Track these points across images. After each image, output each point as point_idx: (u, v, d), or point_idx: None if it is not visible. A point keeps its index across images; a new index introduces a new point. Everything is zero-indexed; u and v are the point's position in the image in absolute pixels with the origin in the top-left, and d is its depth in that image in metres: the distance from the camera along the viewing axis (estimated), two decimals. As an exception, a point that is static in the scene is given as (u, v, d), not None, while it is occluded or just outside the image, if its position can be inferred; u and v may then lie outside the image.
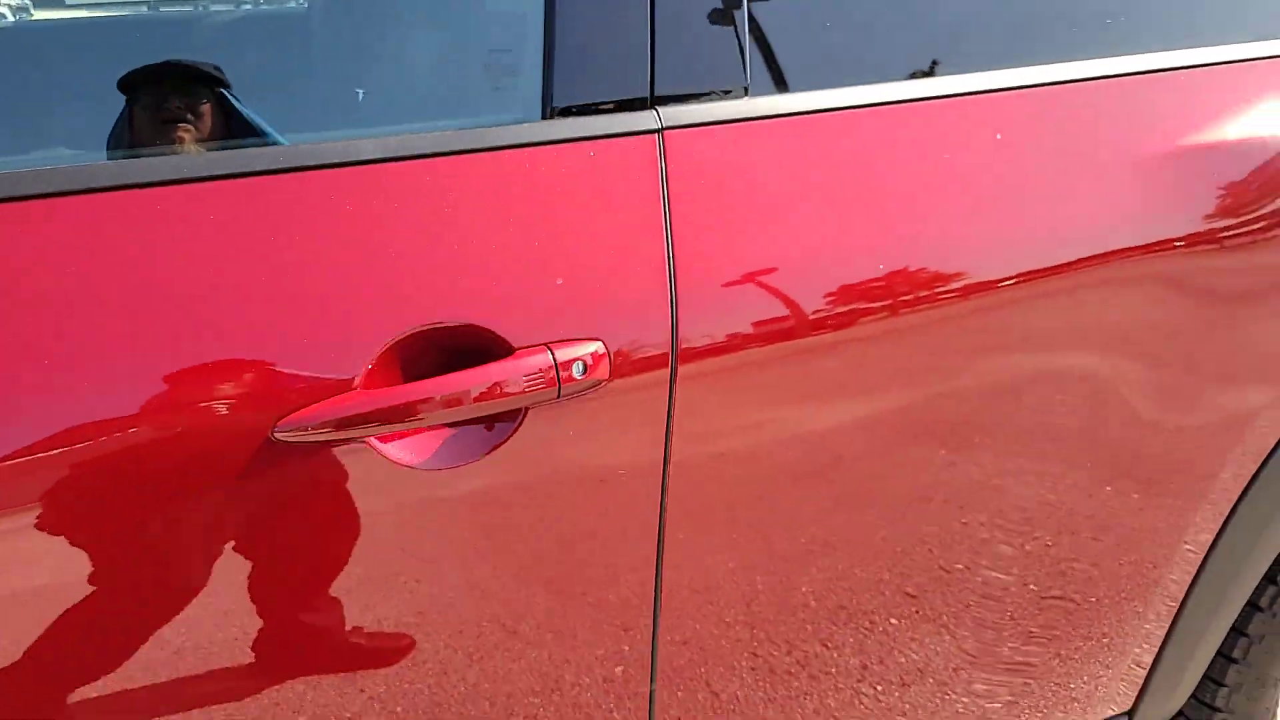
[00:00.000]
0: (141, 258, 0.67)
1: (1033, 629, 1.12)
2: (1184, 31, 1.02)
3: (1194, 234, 0.97)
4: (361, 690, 0.79)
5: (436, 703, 0.83)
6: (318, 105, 0.84)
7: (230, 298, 0.68)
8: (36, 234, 0.65)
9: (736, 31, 0.84)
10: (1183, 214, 0.98)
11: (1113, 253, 0.93)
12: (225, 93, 0.85)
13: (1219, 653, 1.29)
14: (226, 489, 0.69)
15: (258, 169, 0.70)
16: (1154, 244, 0.96)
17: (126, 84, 0.84)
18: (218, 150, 0.83)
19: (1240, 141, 1.02)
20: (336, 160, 0.73)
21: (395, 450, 0.73)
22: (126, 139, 0.86)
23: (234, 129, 0.85)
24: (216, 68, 0.87)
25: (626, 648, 0.88)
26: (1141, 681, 1.25)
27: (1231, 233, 0.99)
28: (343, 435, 0.70)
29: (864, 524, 0.94)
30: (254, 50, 1.04)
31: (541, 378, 0.74)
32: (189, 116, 0.84)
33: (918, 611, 1.02)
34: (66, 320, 0.65)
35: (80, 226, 0.66)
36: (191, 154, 0.79)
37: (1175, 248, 0.97)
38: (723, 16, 0.84)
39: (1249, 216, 1.00)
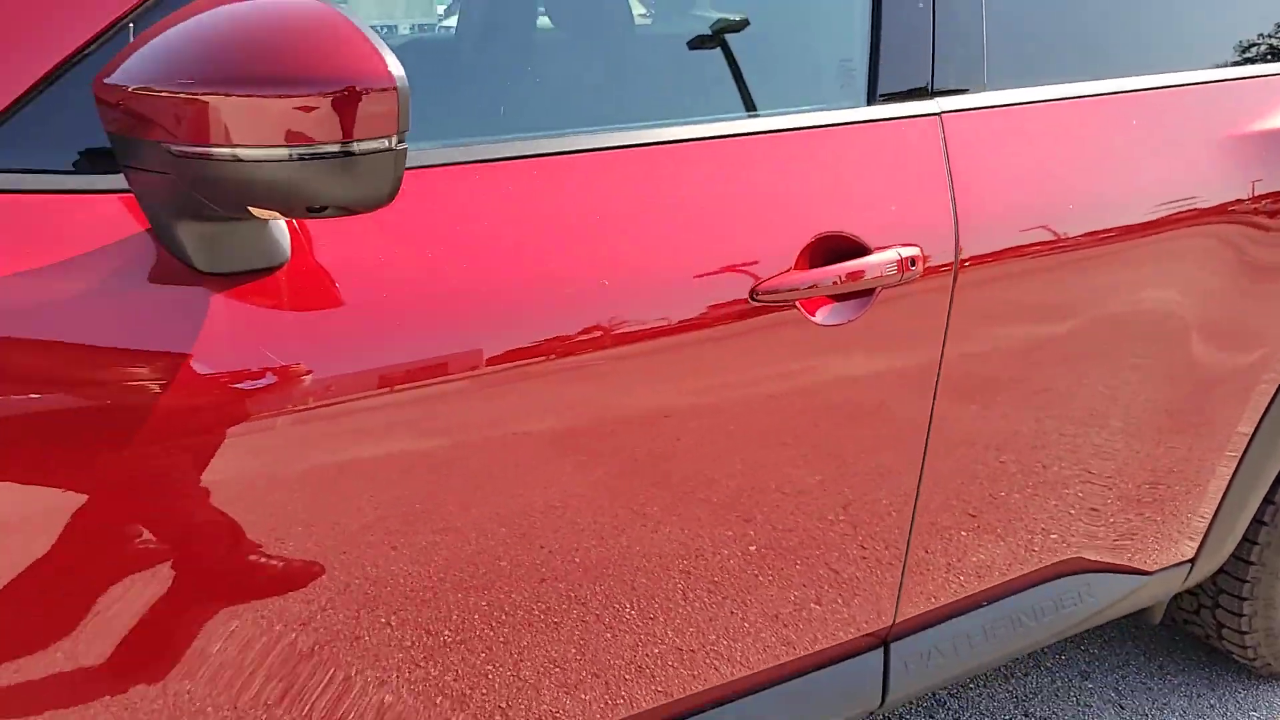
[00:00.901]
0: (674, 190, 1.05)
1: (1143, 494, 1.55)
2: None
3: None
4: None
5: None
6: (721, 94, 1.21)
7: (729, 219, 1.06)
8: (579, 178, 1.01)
9: (981, 47, 1.26)
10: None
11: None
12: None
13: (1254, 518, 1.74)
14: (727, 327, 1.06)
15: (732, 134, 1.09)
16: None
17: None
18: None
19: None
20: (754, 130, 1.12)
21: (822, 312, 1.11)
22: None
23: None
24: None
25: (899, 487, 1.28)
26: (1201, 536, 1.69)
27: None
28: (784, 299, 1.08)
29: (1066, 410, 1.36)
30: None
31: (888, 267, 1.13)
32: None
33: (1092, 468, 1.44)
34: (632, 233, 1.02)
35: (640, 172, 1.03)
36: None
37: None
38: (968, 38, 1.26)
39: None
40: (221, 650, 0.90)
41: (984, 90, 1.27)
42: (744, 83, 1.19)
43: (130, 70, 0.74)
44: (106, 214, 0.84)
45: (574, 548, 1.06)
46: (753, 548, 1.21)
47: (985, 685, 1.99)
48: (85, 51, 0.84)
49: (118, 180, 0.84)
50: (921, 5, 1.22)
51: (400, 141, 0.74)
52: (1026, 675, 2.02)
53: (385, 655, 0.99)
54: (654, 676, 1.21)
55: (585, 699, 1.17)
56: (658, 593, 1.15)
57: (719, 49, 1.23)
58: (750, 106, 1.18)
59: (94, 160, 0.85)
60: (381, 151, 0.73)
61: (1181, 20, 1.48)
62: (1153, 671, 2.04)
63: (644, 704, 1.22)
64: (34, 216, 0.82)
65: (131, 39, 0.83)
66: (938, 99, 1.23)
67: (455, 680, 1.05)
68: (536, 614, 1.07)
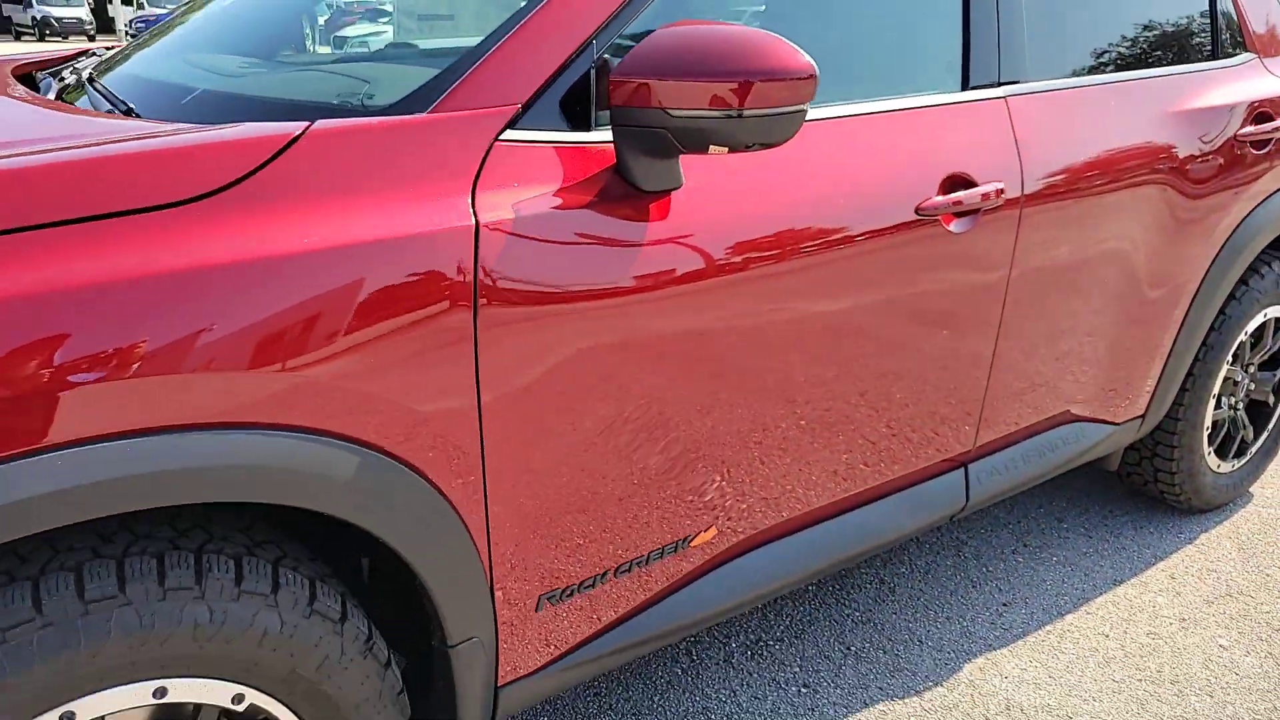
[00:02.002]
0: (876, 144, 1.63)
1: (1114, 367, 2.23)
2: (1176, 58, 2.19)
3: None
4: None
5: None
6: (894, 81, 1.79)
7: (903, 164, 1.66)
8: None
9: (1024, 54, 1.90)
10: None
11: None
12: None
13: (1181, 386, 2.46)
14: (906, 233, 1.65)
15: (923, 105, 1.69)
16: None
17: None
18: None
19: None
20: (911, 106, 1.72)
21: (951, 224, 1.72)
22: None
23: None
24: None
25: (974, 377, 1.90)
26: (1149, 397, 2.40)
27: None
28: (932, 214, 1.68)
29: (1076, 303, 2.01)
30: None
31: (987, 194, 1.76)
32: None
33: (1088, 343, 2.10)
34: (858, 173, 1.60)
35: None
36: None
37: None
38: (1018, 48, 1.90)
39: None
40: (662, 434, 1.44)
41: (1028, 81, 1.91)
42: (901, 75, 1.78)
43: (633, 67, 1.27)
44: (591, 156, 1.36)
45: (807, 383, 1.64)
46: (898, 394, 1.81)
47: (991, 530, 2.66)
48: (569, 60, 1.36)
49: (600, 135, 1.36)
50: (990, 31, 1.85)
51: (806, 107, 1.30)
52: (1019, 522, 2.70)
53: (719, 438, 1.55)
54: (838, 476, 1.80)
55: (794, 487, 1.75)
56: (851, 418, 1.74)
57: (893, 57, 1.81)
58: (907, 90, 1.77)
59: (576, 121, 1.37)
60: (797, 113, 1.29)
61: (1138, 36, 2.17)
62: (1107, 514, 2.76)
63: (833, 495, 1.80)
64: (554, 157, 1.34)
65: (595, 54, 1.36)
66: (1002, 87, 1.87)
67: (740, 451, 1.62)
68: (778, 425, 1.64)
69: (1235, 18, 2.42)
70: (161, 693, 1.15)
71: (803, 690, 2.04)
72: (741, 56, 1.25)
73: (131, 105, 1.50)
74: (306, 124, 1.20)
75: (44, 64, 2.17)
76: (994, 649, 2.19)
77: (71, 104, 1.61)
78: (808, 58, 1.27)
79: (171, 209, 1.09)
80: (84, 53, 2.34)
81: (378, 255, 1.16)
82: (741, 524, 1.69)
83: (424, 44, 1.99)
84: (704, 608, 1.68)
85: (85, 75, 1.82)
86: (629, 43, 1.39)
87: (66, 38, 31.94)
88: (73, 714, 1.09)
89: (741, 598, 1.73)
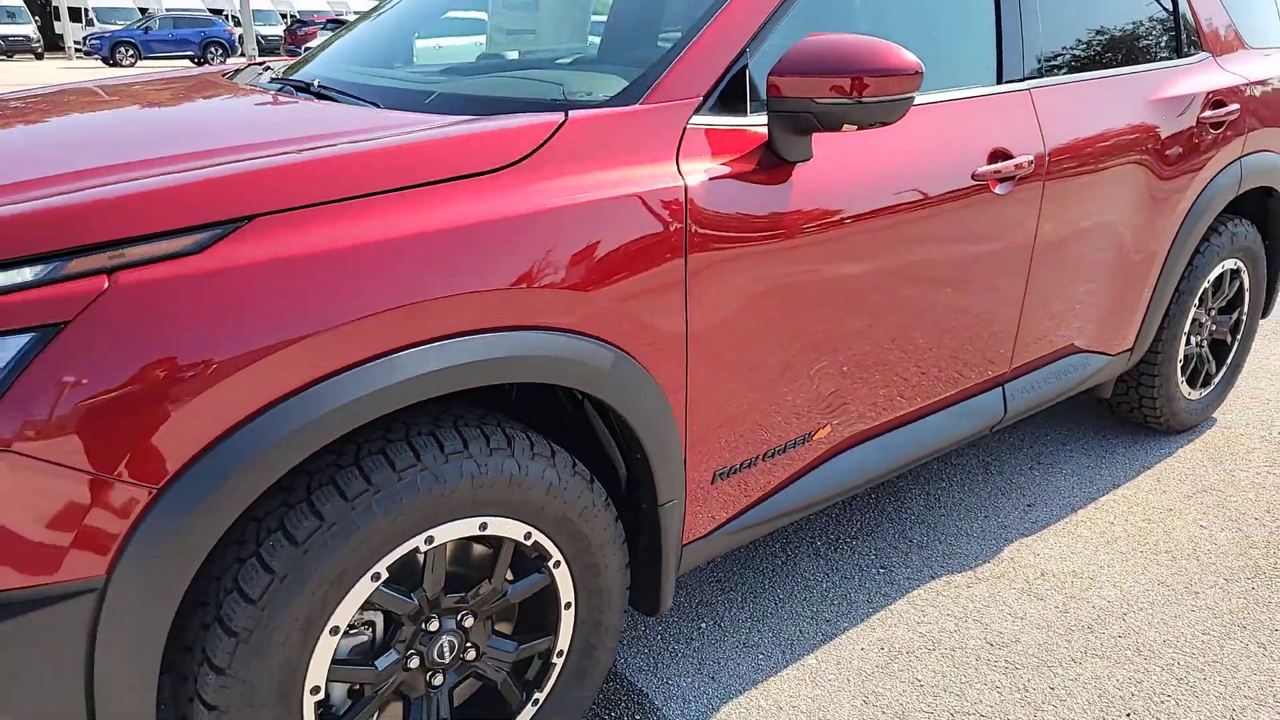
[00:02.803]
0: (944, 125, 2.12)
1: (1110, 306, 2.75)
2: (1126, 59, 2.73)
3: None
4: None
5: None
6: (956, 74, 2.28)
7: (961, 140, 2.15)
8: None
9: (1039, 56, 2.41)
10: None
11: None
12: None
13: (1160, 325, 2.99)
14: (963, 196, 2.14)
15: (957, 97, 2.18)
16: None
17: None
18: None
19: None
20: (964, 96, 2.21)
21: (996, 188, 2.22)
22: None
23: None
24: None
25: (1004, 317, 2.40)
26: (1136, 332, 2.93)
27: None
28: (981, 180, 2.18)
29: (1085, 251, 2.52)
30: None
31: (1020, 165, 2.26)
32: None
33: (1090, 294, 2.62)
34: (935, 149, 2.08)
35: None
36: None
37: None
38: (1035, 51, 2.41)
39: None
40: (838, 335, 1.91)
41: (1045, 77, 2.42)
42: (954, 72, 2.27)
43: (787, 68, 1.74)
44: (748, 136, 1.83)
45: (894, 312, 2.12)
46: (958, 325, 2.30)
47: (1010, 453, 3.17)
48: (730, 65, 1.83)
49: (752, 119, 1.83)
50: (1016, 38, 2.36)
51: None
52: (1032, 446, 3.22)
53: (839, 353, 2.02)
54: (915, 391, 2.28)
55: (885, 397, 2.23)
56: (926, 344, 2.23)
57: (948, 57, 2.29)
58: (959, 84, 2.25)
59: (735, 109, 1.83)
60: (907, 99, 1.76)
61: (1120, 40, 2.70)
62: (1101, 438, 3.29)
63: (910, 406, 2.29)
64: (723, 136, 1.80)
65: (747, 60, 1.83)
66: (1027, 81, 2.37)
67: (867, 366, 2.09)
68: (877, 346, 2.12)
69: (1192, 24, 2.96)
70: (484, 526, 1.58)
71: (880, 571, 2.52)
72: (868, 58, 1.72)
73: (376, 103, 1.93)
74: (564, 115, 1.65)
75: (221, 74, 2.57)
76: (1025, 536, 2.69)
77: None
78: (915, 58, 1.75)
79: (482, 177, 1.54)
80: (254, 64, 2.74)
81: (622, 207, 1.62)
82: (848, 426, 2.17)
83: (577, 54, 2.44)
84: (820, 491, 2.15)
85: (298, 80, 2.23)
86: (766, 53, 1.87)
87: (12, 56, 31.52)
88: (433, 537, 1.52)
89: (844, 485, 2.20)
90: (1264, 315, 3.51)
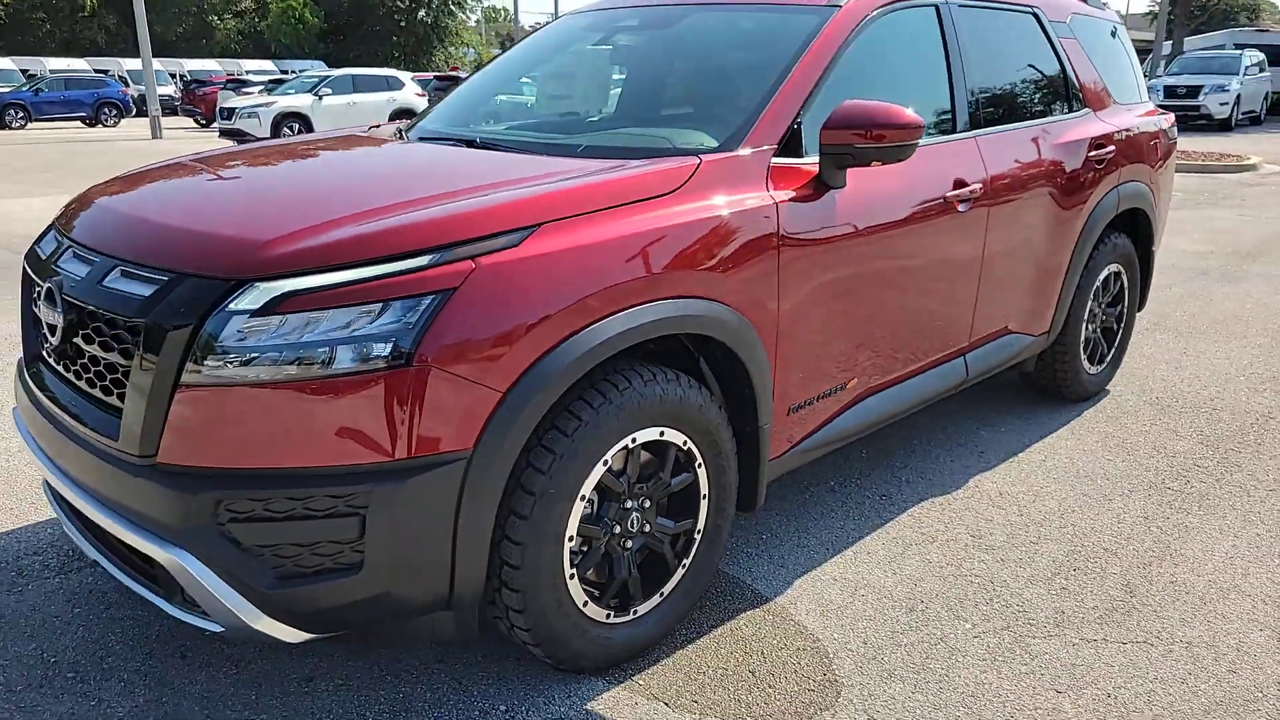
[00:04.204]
0: (932, 163, 3.00)
1: (1035, 297, 3.68)
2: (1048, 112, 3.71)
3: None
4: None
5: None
6: (939, 124, 3.16)
7: (940, 175, 3.03)
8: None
9: (981, 115, 3.35)
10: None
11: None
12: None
13: (1069, 311, 3.95)
14: (941, 215, 3.03)
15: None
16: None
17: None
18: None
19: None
20: (939, 142, 3.11)
21: (959, 207, 3.11)
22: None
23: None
24: None
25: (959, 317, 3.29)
26: (1052, 317, 3.87)
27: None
28: (950, 201, 3.07)
29: (1019, 256, 3.45)
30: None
31: (973, 191, 3.16)
32: None
33: (1017, 279, 3.54)
34: (929, 178, 2.96)
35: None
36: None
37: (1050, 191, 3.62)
38: (977, 108, 3.33)
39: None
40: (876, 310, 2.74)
41: (983, 128, 3.35)
42: (931, 124, 3.14)
43: (834, 123, 2.58)
44: (803, 171, 2.65)
45: (902, 297, 2.97)
46: (939, 308, 3.17)
47: (960, 419, 4.07)
48: (793, 122, 2.66)
49: (805, 160, 2.66)
50: (964, 102, 3.28)
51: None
52: (976, 415, 4.13)
53: (868, 326, 2.86)
54: (912, 355, 3.13)
55: (892, 359, 3.07)
56: (920, 321, 3.08)
57: (928, 115, 3.17)
58: (931, 133, 3.14)
59: (795, 149, 2.66)
60: (914, 144, 2.62)
61: (1031, 101, 3.66)
62: (1027, 407, 4.23)
63: (908, 366, 3.13)
64: (790, 171, 2.62)
65: (800, 118, 2.67)
66: (973, 131, 3.29)
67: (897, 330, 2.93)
68: (890, 320, 2.96)
69: (1077, 87, 3.97)
70: (661, 433, 2.33)
71: (881, 497, 3.35)
72: (887, 117, 2.57)
73: (544, 153, 2.68)
74: (699, 159, 2.45)
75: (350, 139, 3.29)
76: (983, 471, 3.57)
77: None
78: (918, 116, 2.61)
79: (658, 199, 2.32)
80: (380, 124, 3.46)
81: (741, 217, 2.42)
82: (866, 380, 2.99)
83: (664, 111, 3.23)
84: (849, 427, 2.96)
85: (457, 135, 2.96)
86: (810, 116, 2.71)
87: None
88: (636, 437, 2.26)
89: (862, 424, 3.02)
90: (1140, 308, 4.54)
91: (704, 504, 2.50)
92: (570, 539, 2.18)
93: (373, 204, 2.12)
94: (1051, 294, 3.81)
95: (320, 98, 19.05)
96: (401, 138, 3.18)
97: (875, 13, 3.01)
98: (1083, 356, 4.16)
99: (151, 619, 2.58)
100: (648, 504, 2.38)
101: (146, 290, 1.98)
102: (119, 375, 2.03)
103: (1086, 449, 3.81)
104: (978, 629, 2.59)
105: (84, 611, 2.62)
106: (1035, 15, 3.82)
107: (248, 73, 41.65)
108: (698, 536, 2.52)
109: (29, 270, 2.48)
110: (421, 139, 3.10)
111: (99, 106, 30.84)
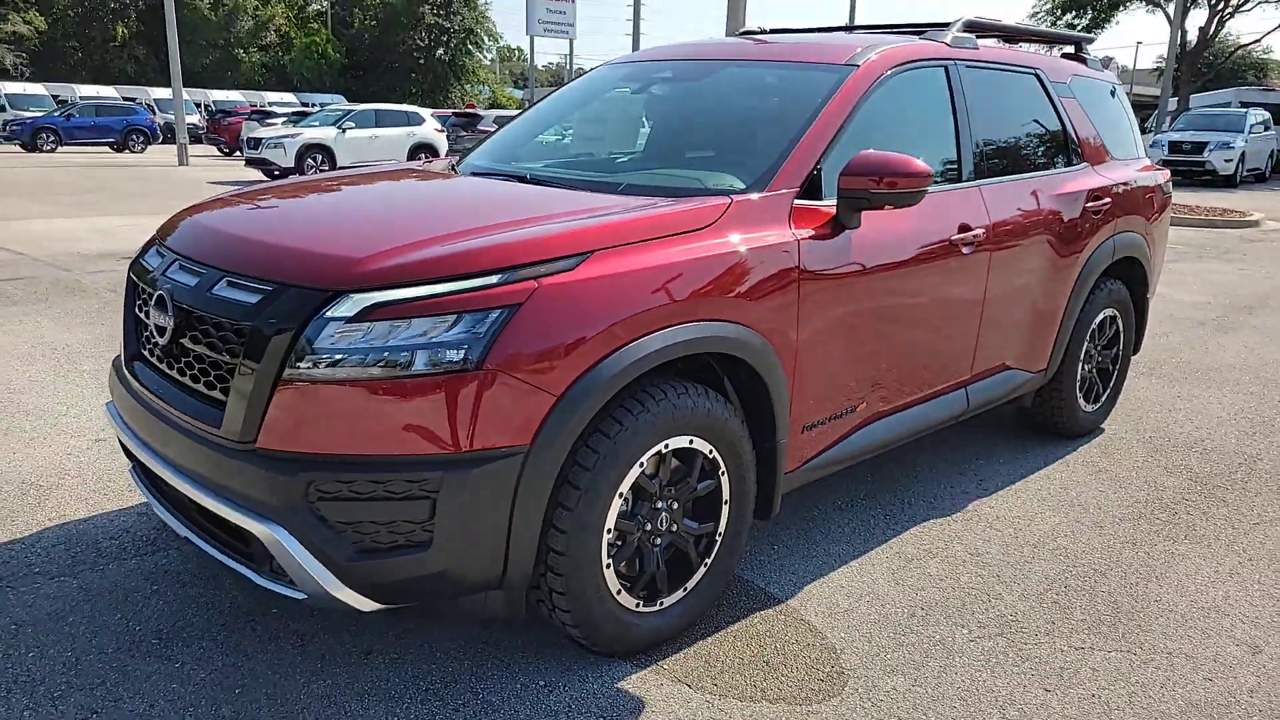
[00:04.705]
0: (937, 211, 3.30)
1: (1032, 337, 3.97)
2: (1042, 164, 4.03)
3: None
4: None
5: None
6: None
7: (944, 219, 3.33)
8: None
9: (982, 167, 3.66)
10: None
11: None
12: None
13: (1065, 350, 4.23)
14: (947, 256, 3.32)
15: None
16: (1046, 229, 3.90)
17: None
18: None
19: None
20: (940, 190, 3.41)
21: (963, 249, 3.41)
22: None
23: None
24: None
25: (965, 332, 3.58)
26: (1049, 355, 4.15)
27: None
28: (956, 244, 3.37)
29: (1016, 301, 3.74)
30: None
31: (976, 235, 3.46)
32: None
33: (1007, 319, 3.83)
34: (935, 221, 3.25)
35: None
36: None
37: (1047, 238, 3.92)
38: (979, 161, 3.65)
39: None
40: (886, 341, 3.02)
41: (987, 179, 3.65)
42: (939, 173, 3.44)
43: (851, 170, 2.88)
44: (822, 212, 2.95)
45: (907, 329, 3.25)
46: (942, 344, 3.45)
47: (962, 449, 4.33)
48: (813, 169, 2.97)
49: (824, 203, 2.96)
50: (970, 155, 3.59)
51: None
52: (978, 445, 4.39)
53: (874, 355, 3.14)
54: (914, 386, 3.41)
55: (896, 388, 3.34)
56: (921, 353, 3.36)
57: (935, 164, 3.47)
58: (939, 181, 3.43)
59: (814, 193, 2.96)
60: (923, 190, 2.92)
61: (1034, 154, 3.97)
62: (1025, 441, 4.49)
63: (911, 396, 3.41)
64: (810, 212, 2.92)
65: (819, 165, 2.98)
66: (977, 180, 3.60)
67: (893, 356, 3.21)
68: (895, 351, 3.24)
69: (1076, 143, 4.28)
70: (690, 441, 2.60)
71: (885, 517, 3.61)
72: (900, 166, 2.87)
73: (587, 189, 2.99)
74: (729, 198, 2.75)
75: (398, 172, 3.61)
76: (981, 497, 3.83)
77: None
78: (927, 165, 2.91)
79: (694, 232, 2.61)
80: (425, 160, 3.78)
81: (767, 251, 2.71)
82: (873, 405, 3.27)
83: (696, 155, 3.54)
84: (856, 449, 3.23)
85: (509, 170, 3.28)
86: (828, 164, 3.01)
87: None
88: (668, 444, 2.54)
89: (869, 446, 3.28)
90: (1135, 352, 4.82)
91: (725, 509, 2.77)
92: (608, 531, 2.45)
93: (447, 229, 2.43)
94: (1049, 334, 4.09)
95: (344, 131, 19.53)
96: (455, 172, 3.50)
97: (889, 72, 3.33)
98: (1078, 394, 4.43)
99: (223, 597, 2.84)
100: (675, 505, 2.65)
101: (252, 298, 2.28)
102: (223, 371, 2.33)
103: (1080, 480, 4.07)
104: (973, 634, 2.84)
105: (162, 589, 2.89)
106: (1037, 75, 4.14)
107: (269, 104, 42.52)
108: (719, 539, 2.78)
109: (134, 279, 2.78)
110: (474, 174, 3.42)
111: (127, 133, 31.56)
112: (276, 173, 19.30)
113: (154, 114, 35.64)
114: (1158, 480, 4.12)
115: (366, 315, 2.17)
